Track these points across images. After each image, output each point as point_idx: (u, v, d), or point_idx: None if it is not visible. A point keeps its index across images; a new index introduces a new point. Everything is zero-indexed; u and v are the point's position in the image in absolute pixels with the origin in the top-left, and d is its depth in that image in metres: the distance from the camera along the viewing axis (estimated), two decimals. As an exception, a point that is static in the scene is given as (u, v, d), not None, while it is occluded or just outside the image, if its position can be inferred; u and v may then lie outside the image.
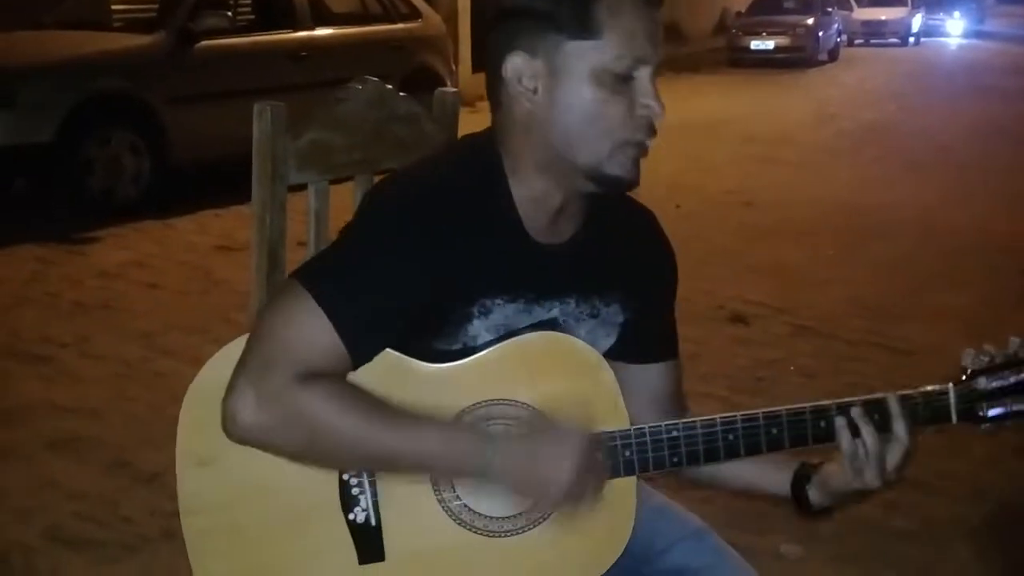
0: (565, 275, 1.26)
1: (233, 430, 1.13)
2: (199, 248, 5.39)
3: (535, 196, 1.23)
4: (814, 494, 1.30)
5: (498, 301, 1.22)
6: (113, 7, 8.37)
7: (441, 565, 1.23)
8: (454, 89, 1.73)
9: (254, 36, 6.85)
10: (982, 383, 1.25)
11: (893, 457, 1.23)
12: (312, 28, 7.08)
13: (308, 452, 1.15)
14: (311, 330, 1.13)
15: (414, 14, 7.92)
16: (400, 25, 7.75)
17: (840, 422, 1.23)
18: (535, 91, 1.17)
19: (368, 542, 1.21)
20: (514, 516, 1.23)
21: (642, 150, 1.21)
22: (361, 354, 1.16)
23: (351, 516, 1.21)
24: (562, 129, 1.17)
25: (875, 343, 4.00)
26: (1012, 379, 1.25)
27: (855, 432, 1.22)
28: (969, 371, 1.26)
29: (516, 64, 1.17)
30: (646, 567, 1.33)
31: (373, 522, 1.21)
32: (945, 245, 5.65)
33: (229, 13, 6.78)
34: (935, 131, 9.97)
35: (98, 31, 6.57)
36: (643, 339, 1.35)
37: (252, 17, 7.22)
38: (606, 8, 1.14)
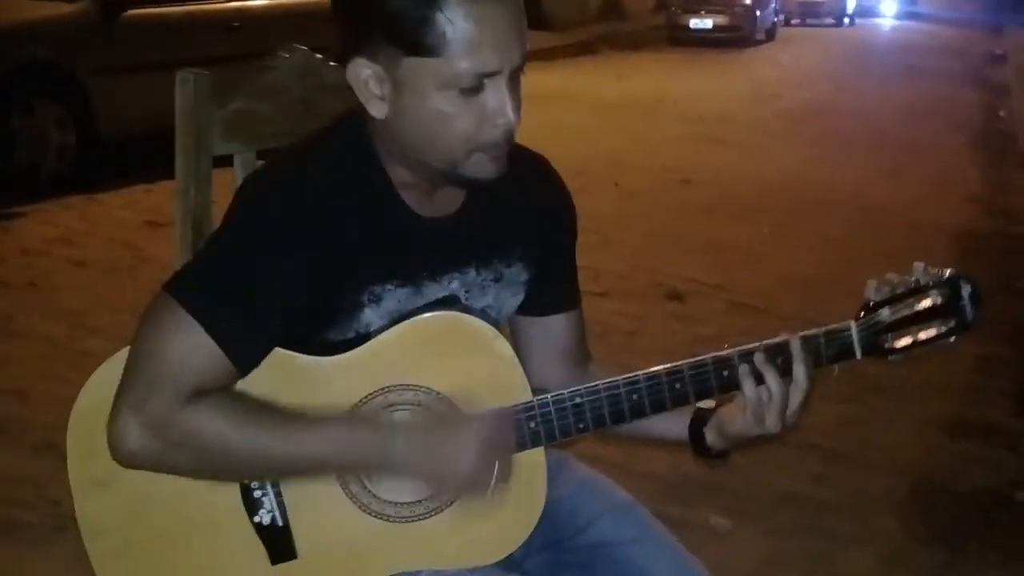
0: (460, 246, 1.23)
1: (121, 458, 1.10)
2: (128, 224, 5.25)
3: (409, 179, 1.19)
4: (712, 437, 1.29)
5: (388, 287, 1.19)
6: (38, -26, 8.07)
7: (355, 556, 1.22)
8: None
9: (184, 6, 6.65)
10: (884, 314, 1.22)
11: (794, 401, 1.22)
12: (246, -2, 6.93)
13: (203, 470, 1.13)
14: (190, 346, 1.09)
15: (352, -14, 7.79)
16: (337, -4, 7.62)
17: (744, 370, 1.20)
18: (382, 97, 1.11)
19: (278, 542, 1.19)
20: (423, 500, 1.22)
21: (502, 153, 1.14)
22: (246, 362, 1.13)
23: (256, 519, 1.19)
24: (411, 137, 1.13)
25: (809, 319, 4.01)
26: (916, 307, 1.22)
27: (759, 379, 1.20)
28: (871, 303, 1.23)
29: (358, 71, 1.11)
30: (570, 541, 1.33)
31: (280, 522, 1.19)
32: (878, 223, 5.78)
33: (159, -19, 6.58)
34: (869, 111, 10.16)
35: (20, -1, 6.33)
36: (547, 291, 1.33)
37: (183, -14, 7.02)
38: (444, 23, 1.05)
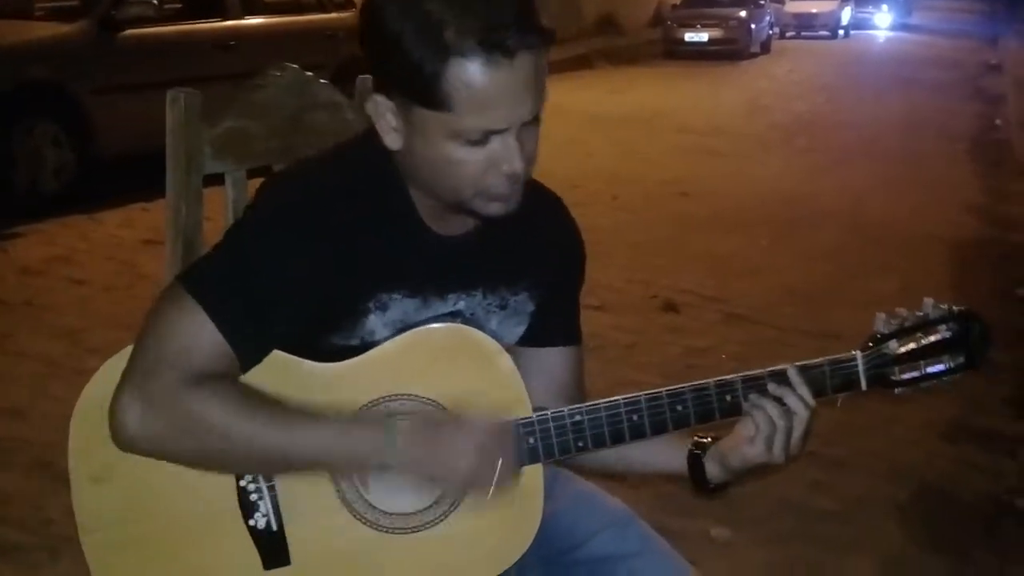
0: (470, 267, 1.25)
1: (121, 440, 1.11)
2: (126, 243, 5.26)
3: (425, 198, 1.21)
4: (712, 468, 1.29)
5: (395, 296, 1.20)
6: (35, -5, 8.11)
7: (348, 565, 1.22)
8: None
9: (181, 25, 6.69)
10: (892, 346, 1.24)
11: (798, 429, 1.23)
12: (241, 17, 6.95)
13: (201, 457, 1.13)
14: (196, 335, 1.11)
15: (347, 4, 7.82)
16: (333, 15, 7.65)
17: (750, 398, 1.22)
18: (397, 131, 1.14)
19: (271, 547, 1.20)
20: (420, 511, 1.22)
21: (510, 197, 1.16)
22: (249, 356, 1.14)
23: (251, 522, 1.19)
24: (422, 172, 1.16)
25: (804, 330, 4.07)
26: (924, 340, 1.24)
27: (762, 406, 1.22)
28: (878, 335, 1.24)
29: (377, 106, 1.14)
30: (570, 556, 1.33)
31: (275, 527, 1.20)
32: (872, 233, 5.78)
33: (155, 1, 6.61)
34: (863, 123, 10.18)
35: (19, 19, 6.36)
36: (549, 324, 1.34)
37: (179, 5, 7.06)
38: (455, 80, 1.06)
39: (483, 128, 1.09)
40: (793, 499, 2.79)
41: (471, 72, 1.05)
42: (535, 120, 1.13)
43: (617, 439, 1.22)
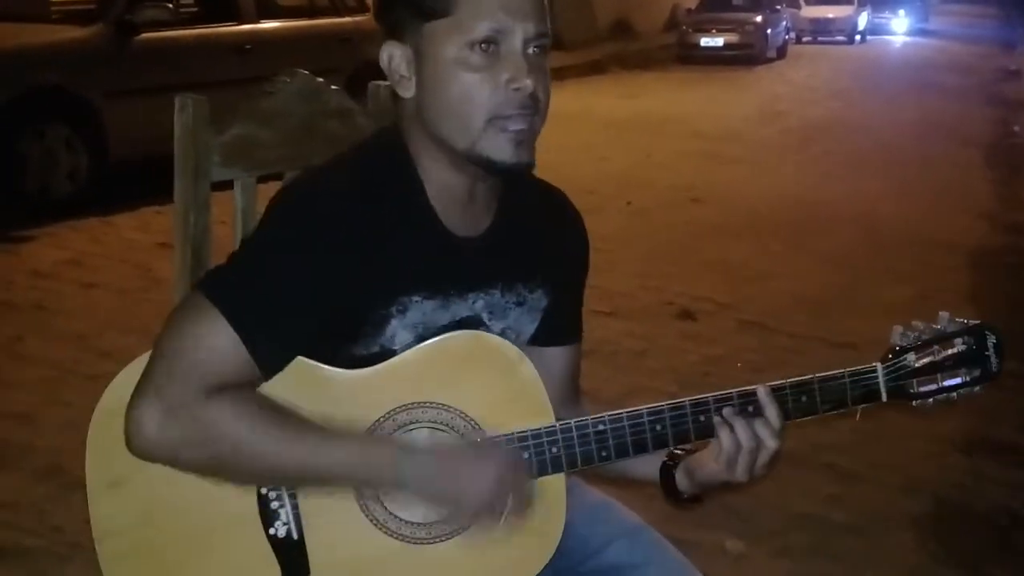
0: (487, 266, 1.24)
1: (137, 445, 1.10)
2: (140, 246, 5.26)
3: (443, 186, 1.20)
4: (681, 480, 1.29)
5: (416, 298, 1.20)
6: (51, -2, 8.15)
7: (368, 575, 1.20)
8: (388, 83, 1.68)
9: (197, 28, 6.70)
10: (910, 359, 1.25)
11: (764, 454, 1.22)
12: (257, 21, 6.96)
13: (216, 468, 1.12)
14: (217, 342, 1.10)
15: (361, 7, 7.83)
16: (347, 18, 7.66)
17: (718, 420, 1.21)
18: (409, 77, 1.17)
19: (292, 557, 1.18)
20: (442, 521, 1.21)
21: (521, 131, 1.15)
22: (270, 365, 1.13)
23: (272, 531, 1.18)
24: (434, 111, 1.16)
25: (818, 337, 4.04)
26: (941, 354, 1.26)
27: (732, 425, 1.21)
28: (897, 348, 1.26)
29: (388, 53, 1.18)
30: (582, 565, 1.32)
31: (295, 536, 1.18)
32: (886, 240, 5.74)
33: (170, 5, 6.63)
34: (878, 128, 10.13)
35: (34, 23, 6.39)
36: (558, 322, 1.34)
37: (195, 9, 7.08)
38: None
39: (485, 26, 1.11)
40: (808, 512, 2.76)
41: None
42: (542, 50, 1.15)
43: (640, 449, 1.22)
